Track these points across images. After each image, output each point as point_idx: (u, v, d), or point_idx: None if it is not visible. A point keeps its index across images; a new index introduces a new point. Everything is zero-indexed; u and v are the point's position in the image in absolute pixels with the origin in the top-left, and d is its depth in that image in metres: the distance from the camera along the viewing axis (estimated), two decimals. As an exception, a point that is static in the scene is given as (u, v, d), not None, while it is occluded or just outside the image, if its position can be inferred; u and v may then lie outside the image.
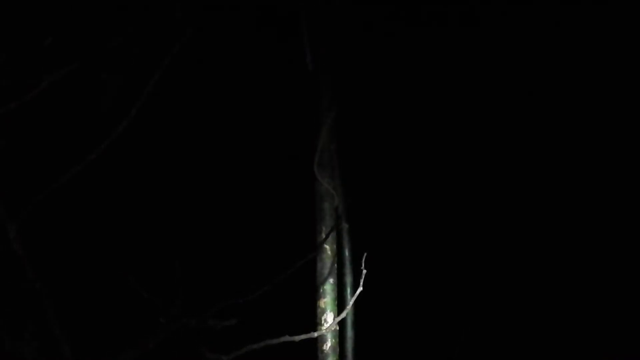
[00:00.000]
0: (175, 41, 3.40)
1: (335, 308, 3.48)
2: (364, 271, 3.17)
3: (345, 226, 3.64)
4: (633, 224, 4.09)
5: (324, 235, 3.55)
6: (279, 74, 4.01)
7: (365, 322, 3.58)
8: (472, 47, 4.13)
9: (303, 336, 3.08)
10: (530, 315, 4.05)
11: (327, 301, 3.48)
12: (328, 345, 3.43)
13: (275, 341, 3.02)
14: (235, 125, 4.02)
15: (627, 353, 3.94)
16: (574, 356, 3.97)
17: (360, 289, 3.18)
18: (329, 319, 3.45)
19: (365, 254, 3.19)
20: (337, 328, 3.46)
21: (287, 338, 3.03)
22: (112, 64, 3.58)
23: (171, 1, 3.54)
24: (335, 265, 3.55)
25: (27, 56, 3.31)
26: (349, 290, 3.55)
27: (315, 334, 3.20)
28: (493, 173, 4.12)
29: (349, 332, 3.53)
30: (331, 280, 3.52)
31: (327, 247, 3.55)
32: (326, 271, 3.51)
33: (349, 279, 3.56)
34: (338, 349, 3.46)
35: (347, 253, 3.61)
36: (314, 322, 3.49)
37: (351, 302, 3.29)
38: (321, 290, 3.50)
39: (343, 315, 3.32)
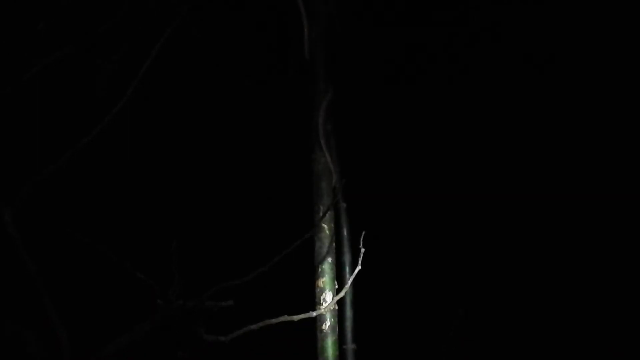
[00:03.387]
0: (169, 23, 3.39)
1: (334, 287, 3.48)
2: (363, 250, 3.18)
3: (343, 205, 3.64)
4: (631, 220, 4.09)
5: (322, 215, 3.54)
6: (276, 57, 4.01)
7: (364, 301, 3.57)
8: (472, 38, 4.13)
9: (302, 316, 3.09)
10: (526, 288, 4.05)
11: (325, 280, 3.48)
12: (327, 324, 3.43)
13: (274, 321, 3.02)
14: (232, 108, 4.01)
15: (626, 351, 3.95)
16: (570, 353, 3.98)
17: (358, 267, 3.18)
18: (327, 298, 3.45)
19: (363, 233, 3.20)
20: (336, 307, 3.45)
21: (286, 318, 3.04)
22: (106, 48, 3.56)
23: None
24: (334, 244, 3.55)
25: (20, 41, 3.29)
26: (347, 269, 3.54)
27: (314, 314, 3.20)
28: (490, 152, 4.11)
29: (348, 311, 3.52)
30: (330, 260, 3.51)
31: (325, 226, 3.55)
32: (324, 250, 3.51)
33: (347, 258, 3.55)
34: (337, 328, 3.46)
35: (345, 232, 3.60)
36: (312, 301, 3.49)
37: (350, 281, 3.30)
38: (320, 270, 3.49)
39: (342, 294, 3.32)
